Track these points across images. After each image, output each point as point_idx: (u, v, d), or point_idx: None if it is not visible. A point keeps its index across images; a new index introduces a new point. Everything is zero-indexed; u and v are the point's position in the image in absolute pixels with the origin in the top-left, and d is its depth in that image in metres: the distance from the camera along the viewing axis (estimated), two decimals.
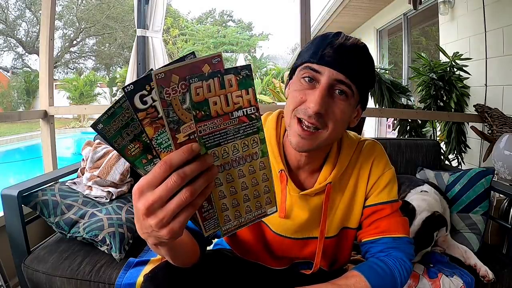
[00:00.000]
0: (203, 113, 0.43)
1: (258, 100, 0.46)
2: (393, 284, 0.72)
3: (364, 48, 0.71)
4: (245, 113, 0.45)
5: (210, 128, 0.44)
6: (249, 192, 0.49)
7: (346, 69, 0.66)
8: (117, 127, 0.43)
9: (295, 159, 0.79)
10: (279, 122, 0.82)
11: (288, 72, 0.79)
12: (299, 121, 0.69)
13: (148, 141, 0.43)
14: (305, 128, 0.68)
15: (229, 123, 0.45)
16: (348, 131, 0.85)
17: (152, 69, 0.42)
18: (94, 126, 0.43)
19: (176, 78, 0.41)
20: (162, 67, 0.41)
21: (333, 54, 0.67)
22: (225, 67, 0.43)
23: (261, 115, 0.44)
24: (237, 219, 0.50)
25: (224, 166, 0.46)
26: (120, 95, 0.42)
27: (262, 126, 0.47)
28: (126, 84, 0.41)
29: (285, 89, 0.79)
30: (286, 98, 0.75)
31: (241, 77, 0.44)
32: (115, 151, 1.59)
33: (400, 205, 0.84)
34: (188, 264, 0.68)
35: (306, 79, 0.69)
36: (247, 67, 0.44)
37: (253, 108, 0.46)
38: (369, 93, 0.77)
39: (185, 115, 0.43)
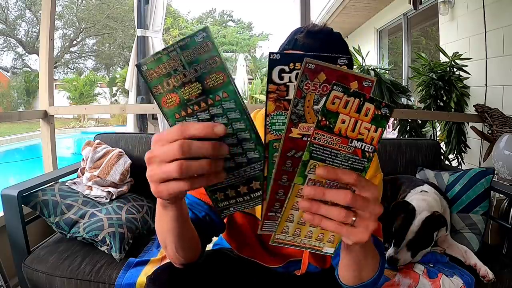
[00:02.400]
0: (327, 123, 0.41)
1: (380, 141, 0.46)
2: (381, 276, 0.72)
3: (332, 30, 0.76)
4: (361, 147, 0.43)
5: (326, 142, 0.42)
6: None
7: (317, 50, 0.70)
8: (160, 73, 0.42)
9: None
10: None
11: None
12: None
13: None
14: None
15: (344, 147, 0.43)
16: None
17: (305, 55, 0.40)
18: (139, 66, 0.41)
19: (322, 77, 0.40)
20: (315, 58, 0.40)
21: (304, 39, 0.72)
22: (372, 96, 0.41)
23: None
24: (294, 236, 0.48)
25: (314, 182, 0.44)
26: (171, 43, 0.41)
27: (368, 169, 0.44)
28: (273, 51, 0.40)
29: None
30: None
31: (380, 113, 0.41)
32: (115, 151, 1.59)
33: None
34: (190, 257, 0.68)
35: None
36: (390, 107, 0.42)
37: (371, 148, 0.43)
38: None
39: (311, 115, 0.42)
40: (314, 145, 0.42)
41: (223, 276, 0.79)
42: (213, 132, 0.40)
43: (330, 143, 0.42)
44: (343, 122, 0.41)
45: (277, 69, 0.39)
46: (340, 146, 0.42)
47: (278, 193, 0.47)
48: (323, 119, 0.41)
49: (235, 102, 0.42)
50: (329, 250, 0.49)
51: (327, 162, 0.43)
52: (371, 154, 0.43)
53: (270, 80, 0.40)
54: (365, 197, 0.43)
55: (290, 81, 0.40)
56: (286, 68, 0.39)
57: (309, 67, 0.39)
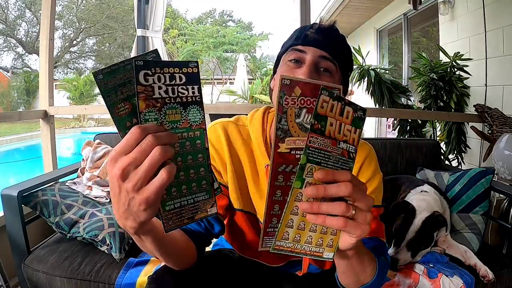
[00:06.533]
0: (320, 126, 0.44)
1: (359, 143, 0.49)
2: (383, 277, 0.72)
3: (338, 31, 0.78)
4: (347, 148, 0.46)
5: (320, 144, 0.44)
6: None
7: (328, 46, 0.71)
8: (114, 83, 0.45)
9: None
10: (265, 118, 0.83)
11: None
12: None
13: (138, 108, 0.44)
14: None
15: (335, 149, 0.45)
16: None
17: (153, 54, 0.45)
18: (95, 74, 0.44)
19: (298, 91, 0.44)
20: (166, 64, 0.43)
21: (315, 35, 0.72)
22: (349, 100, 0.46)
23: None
24: (294, 242, 0.48)
25: (312, 185, 0.46)
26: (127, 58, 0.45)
27: (353, 169, 0.47)
28: (136, 56, 0.44)
29: (270, 82, 0.81)
30: (271, 91, 0.78)
31: (356, 115, 0.46)
32: None
33: (383, 211, 0.82)
34: (183, 265, 0.68)
35: (292, 61, 0.73)
36: (364, 110, 0.46)
37: (354, 148, 0.46)
38: (349, 78, 0.81)
39: (295, 128, 0.45)
40: (310, 148, 0.44)
41: (226, 276, 0.79)
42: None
43: (323, 145, 0.44)
44: (332, 125, 0.44)
45: (142, 73, 0.42)
46: (332, 148, 0.45)
47: (274, 208, 0.47)
48: (316, 123, 0.43)
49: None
50: (329, 255, 0.50)
51: (322, 164, 0.45)
52: (353, 155, 0.47)
53: (138, 83, 0.42)
54: (361, 188, 0.46)
55: (154, 82, 0.43)
56: (149, 72, 0.43)
57: (285, 82, 0.44)
